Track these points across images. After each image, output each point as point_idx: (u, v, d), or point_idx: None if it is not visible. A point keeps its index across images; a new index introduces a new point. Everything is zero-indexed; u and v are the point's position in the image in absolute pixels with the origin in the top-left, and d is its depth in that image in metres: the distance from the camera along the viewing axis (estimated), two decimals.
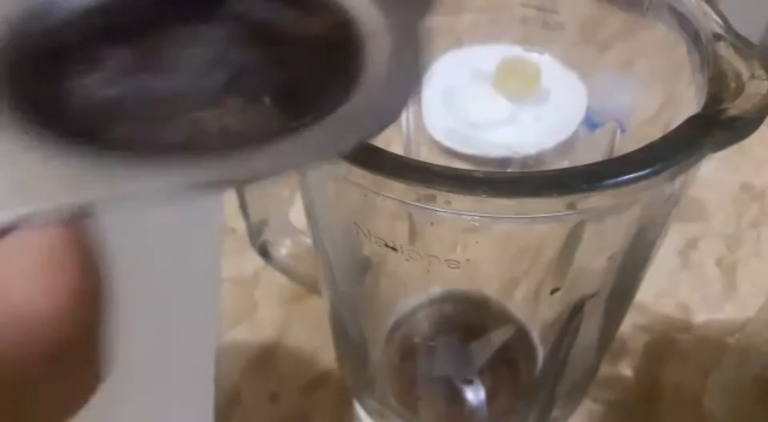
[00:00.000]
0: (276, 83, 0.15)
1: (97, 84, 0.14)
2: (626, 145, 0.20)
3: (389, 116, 0.13)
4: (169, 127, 0.14)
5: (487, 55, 0.36)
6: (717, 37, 0.21)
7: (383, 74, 0.14)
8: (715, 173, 0.50)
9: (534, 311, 0.34)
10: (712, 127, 0.18)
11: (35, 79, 0.13)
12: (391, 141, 0.33)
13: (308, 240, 0.34)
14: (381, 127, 0.13)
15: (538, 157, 0.38)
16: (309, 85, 0.15)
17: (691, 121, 0.18)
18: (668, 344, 0.41)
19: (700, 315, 0.42)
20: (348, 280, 0.28)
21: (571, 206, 0.17)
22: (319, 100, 0.14)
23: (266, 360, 0.41)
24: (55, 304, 0.11)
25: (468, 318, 0.34)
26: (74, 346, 0.11)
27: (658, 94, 0.24)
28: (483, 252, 0.23)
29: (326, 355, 0.40)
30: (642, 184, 0.17)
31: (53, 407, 0.11)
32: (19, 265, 0.11)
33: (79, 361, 0.12)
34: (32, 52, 0.13)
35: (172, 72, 0.15)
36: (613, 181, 0.16)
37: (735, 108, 0.18)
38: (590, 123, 0.31)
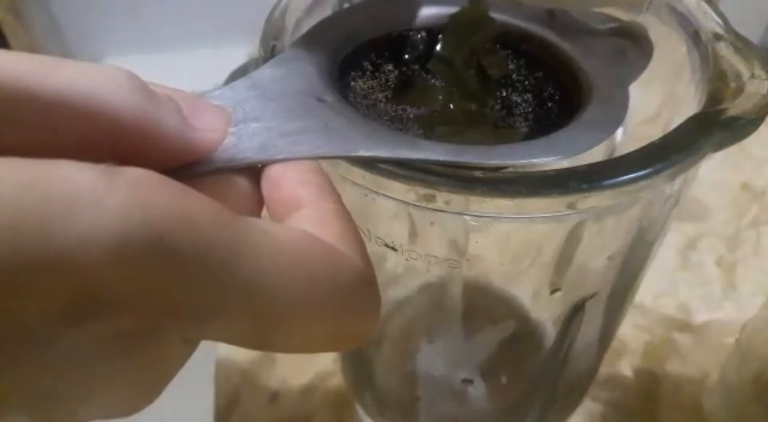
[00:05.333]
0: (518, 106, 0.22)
1: (371, 87, 0.22)
2: (626, 145, 0.20)
3: (607, 132, 0.19)
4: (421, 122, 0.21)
5: None
6: (717, 37, 0.21)
7: (603, 105, 0.20)
8: (715, 173, 0.50)
9: (534, 311, 0.34)
10: (712, 127, 0.18)
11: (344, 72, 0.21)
12: None
13: None
14: (602, 138, 0.19)
15: None
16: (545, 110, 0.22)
17: (691, 121, 0.18)
18: (668, 344, 0.41)
19: (700, 315, 0.42)
20: None
21: (571, 206, 0.17)
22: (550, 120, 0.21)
23: (266, 360, 0.41)
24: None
25: (468, 318, 0.34)
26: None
27: (658, 94, 0.24)
28: (483, 252, 0.23)
29: (326, 355, 0.40)
30: (642, 183, 0.17)
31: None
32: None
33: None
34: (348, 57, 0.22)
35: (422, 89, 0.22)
36: (613, 181, 0.16)
37: (735, 108, 0.18)
38: None
